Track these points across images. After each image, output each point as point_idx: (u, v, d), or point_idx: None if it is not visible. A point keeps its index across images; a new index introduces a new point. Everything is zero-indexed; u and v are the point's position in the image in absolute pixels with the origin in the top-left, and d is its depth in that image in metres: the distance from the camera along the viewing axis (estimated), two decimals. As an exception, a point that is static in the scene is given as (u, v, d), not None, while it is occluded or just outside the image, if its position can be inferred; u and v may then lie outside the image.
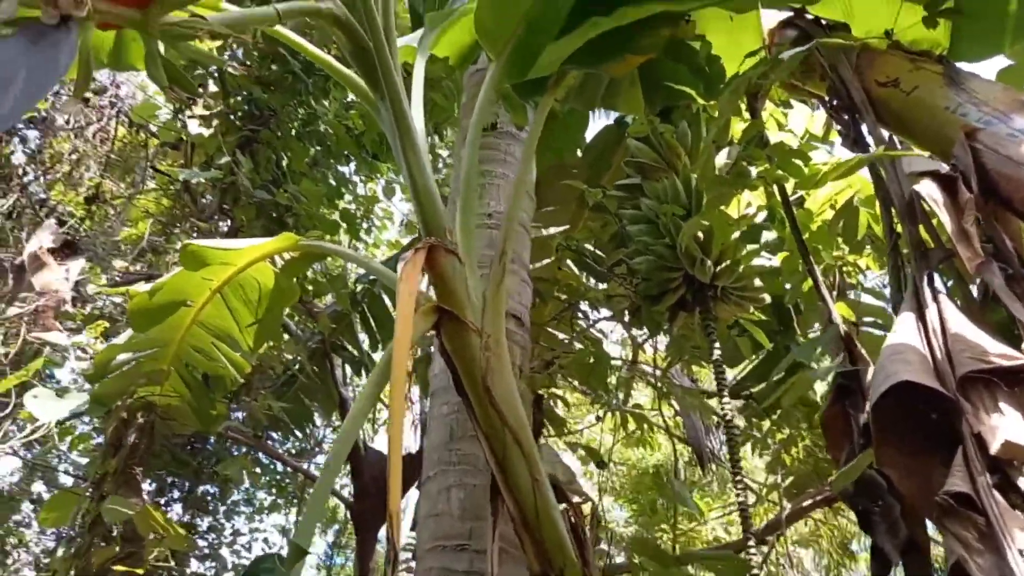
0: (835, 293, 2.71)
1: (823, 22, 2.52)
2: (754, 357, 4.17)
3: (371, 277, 5.12)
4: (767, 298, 3.15)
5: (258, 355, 5.02)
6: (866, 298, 3.16)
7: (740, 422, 4.77)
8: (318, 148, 5.48)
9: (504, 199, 3.02)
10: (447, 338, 2.02)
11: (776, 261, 3.04)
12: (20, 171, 6.35)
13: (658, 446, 7.34)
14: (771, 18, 2.80)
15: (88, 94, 6.63)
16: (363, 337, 5.43)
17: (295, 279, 4.45)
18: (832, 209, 2.74)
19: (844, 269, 3.66)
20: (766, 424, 4.72)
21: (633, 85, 3.18)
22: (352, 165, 6.35)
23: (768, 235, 3.11)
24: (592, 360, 4.19)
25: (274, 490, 8.10)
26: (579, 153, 4.37)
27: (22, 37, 1.33)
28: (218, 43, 2.90)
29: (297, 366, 5.10)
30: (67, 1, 1.32)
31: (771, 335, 3.73)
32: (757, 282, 3.07)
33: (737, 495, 2.82)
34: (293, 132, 5.25)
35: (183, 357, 3.25)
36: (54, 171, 6.14)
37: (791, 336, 3.69)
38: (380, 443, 6.72)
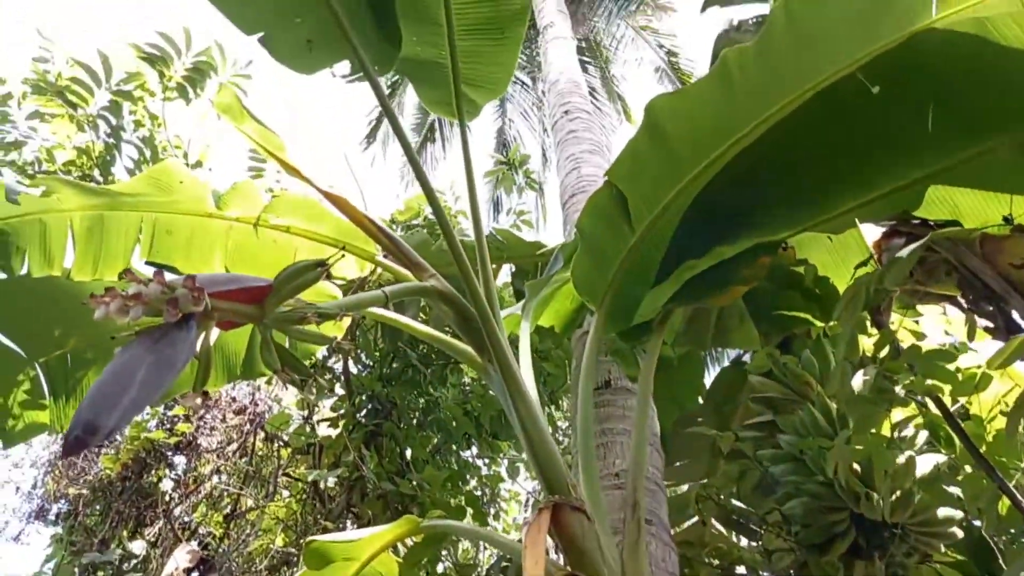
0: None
1: (930, 223, 2.44)
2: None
3: (503, 564, 4.81)
4: (959, 532, 2.67)
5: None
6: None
7: None
8: (439, 435, 5.54)
9: (629, 455, 2.85)
10: (586, 612, 1.77)
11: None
12: (167, 497, 6.69)
13: None
14: (875, 231, 2.75)
15: (229, 413, 7.16)
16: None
17: (422, 570, 4.20)
18: (1003, 415, 2.40)
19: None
20: None
21: (744, 320, 3.11)
22: (474, 448, 6.34)
23: (939, 457, 2.72)
24: (764, 637, 3.59)
25: None
26: (701, 401, 4.20)
27: (144, 339, 1.42)
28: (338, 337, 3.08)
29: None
30: (186, 300, 1.42)
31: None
32: (941, 513, 2.62)
33: None
34: (415, 421, 5.37)
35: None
36: (197, 492, 6.43)
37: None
38: None
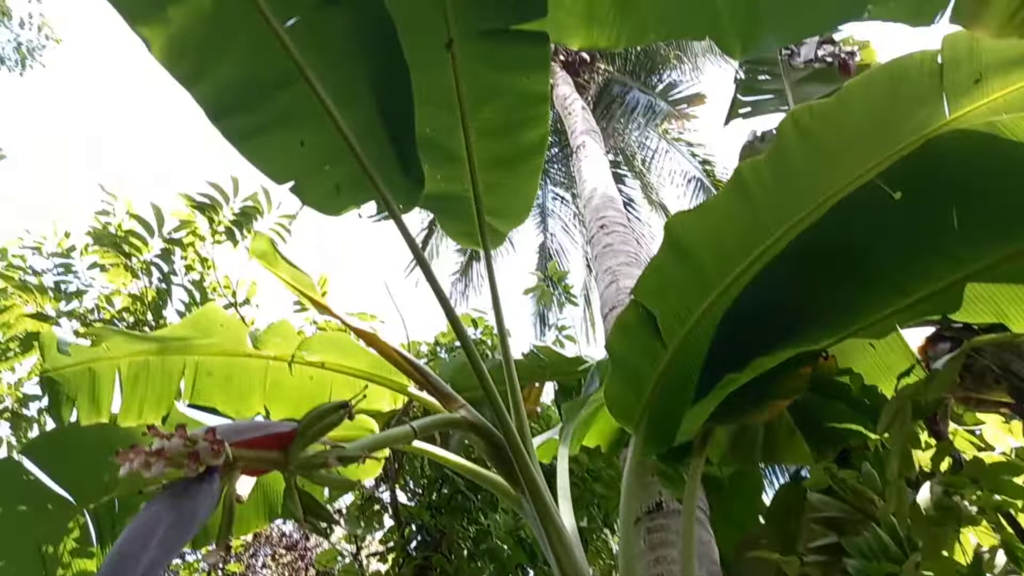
0: None
1: (975, 327, 2.34)
2: None
3: None
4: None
5: None
6: None
7: None
8: (492, 565, 5.31)
9: (679, 586, 2.69)
10: None
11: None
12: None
13: None
14: (919, 334, 2.65)
15: (280, 549, 7.05)
16: None
17: None
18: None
19: None
20: None
21: (793, 434, 2.98)
22: (531, 576, 6.05)
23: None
24: None
25: None
26: (763, 520, 3.97)
27: (167, 493, 1.42)
28: (375, 473, 3.04)
29: None
30: (206, 453, 1.43)
31: None
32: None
33: None
34: (465, 552, 5.17)
35: None
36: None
37: None
38: None
